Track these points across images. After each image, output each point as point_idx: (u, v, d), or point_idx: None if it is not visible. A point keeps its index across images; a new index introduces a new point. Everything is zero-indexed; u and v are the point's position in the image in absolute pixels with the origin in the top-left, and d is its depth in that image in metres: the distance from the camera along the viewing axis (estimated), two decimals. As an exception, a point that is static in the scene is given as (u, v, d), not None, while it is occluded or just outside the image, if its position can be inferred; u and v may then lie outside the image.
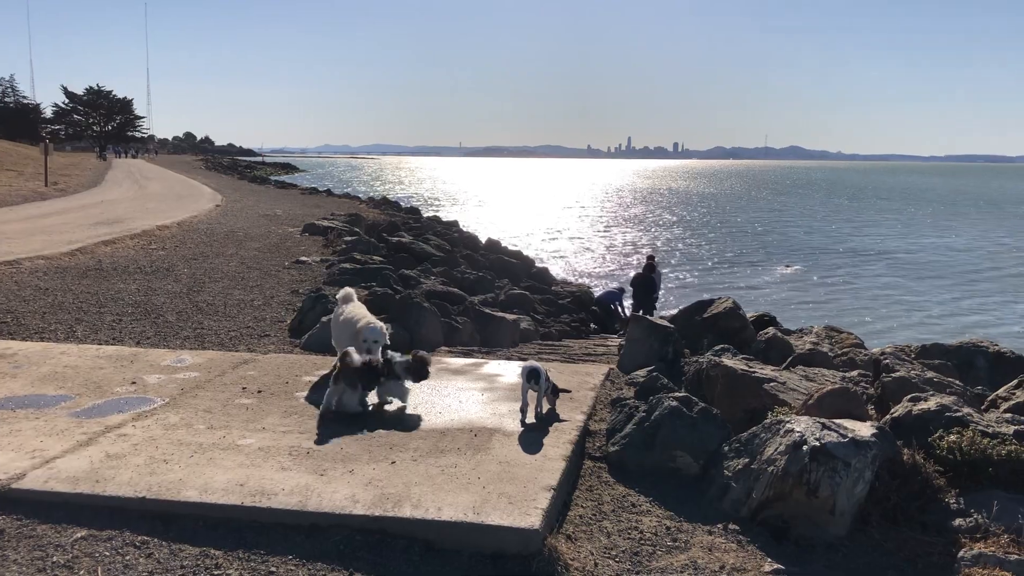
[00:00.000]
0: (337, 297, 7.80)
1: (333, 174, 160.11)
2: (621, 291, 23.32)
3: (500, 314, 13.96)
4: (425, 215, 41.49)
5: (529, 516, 4.59)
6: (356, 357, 6.41)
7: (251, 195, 45.24)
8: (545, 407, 6.59)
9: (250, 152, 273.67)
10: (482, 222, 55.21)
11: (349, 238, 21.56)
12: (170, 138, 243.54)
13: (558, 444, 5.90)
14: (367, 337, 6.86)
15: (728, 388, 6.99)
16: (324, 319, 9.87)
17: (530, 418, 6.45)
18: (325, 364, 8.19)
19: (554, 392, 6.77)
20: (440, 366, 8.23)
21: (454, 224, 38.04)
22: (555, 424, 6.39)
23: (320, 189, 60.60)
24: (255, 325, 10.69)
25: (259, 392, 7.11)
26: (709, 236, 53.58)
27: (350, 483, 5.03)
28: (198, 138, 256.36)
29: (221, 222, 26.08)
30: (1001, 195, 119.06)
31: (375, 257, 18.34)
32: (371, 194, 65.10)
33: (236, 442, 5.78)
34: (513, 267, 25.60)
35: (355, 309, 7.40)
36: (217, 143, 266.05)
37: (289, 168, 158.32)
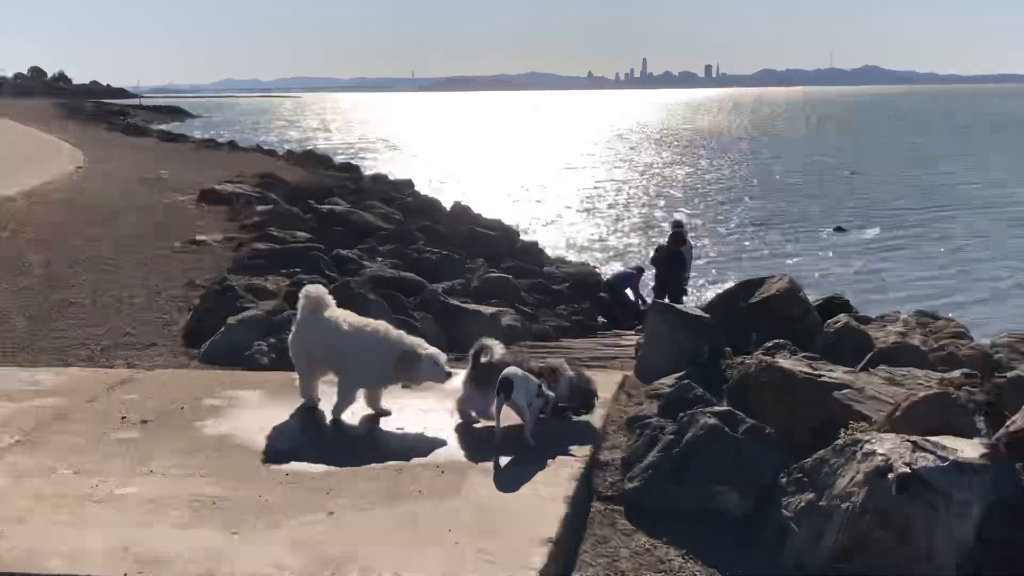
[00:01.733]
0: (304, 300, 7.31)
1: (238, 120, 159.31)
2: (640, 271, 23.38)
3: (474, 307, 13.99)
4: (367, 174, 41.38)
5: (519, 580, 4.62)
6: None
7: (125, 151, 44.96)
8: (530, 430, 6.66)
9: (122, 92, 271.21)
10: (447, 182, 55.13)
11: (263, 208, 21.48)
12: (10, 75, 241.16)
13: (557, 481, 5.93)
14: (426, 370, 6.98)
15: (785, 398, 7.02)
16: (231, 320, 9.86)
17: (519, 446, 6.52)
18: (235, 381, 8.20)
19: (556, 411, 6.80)
20: (394, 380, 8.25)
21: (407, 185, 37.97)
22: (552, 454, 6.42)
23: (221, 141, 60.19)
24: (136, 331, 10.65)
25: (144, 423, 7.09)
26: (754, 193, 53.76)
27: (273, 544, 5.03)
28: (49, 75, 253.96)
29: (85, 190, 25.93)
30: None
31: (299, 233, 18.30)
32: (291, 147, 64.79)
33: (115, 491, 5.77)
34: (491, 242, 25.60)
35: (362, 321, 7.27)
36: (76, 82, 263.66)
37: (177, 113, 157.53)
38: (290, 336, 7.42)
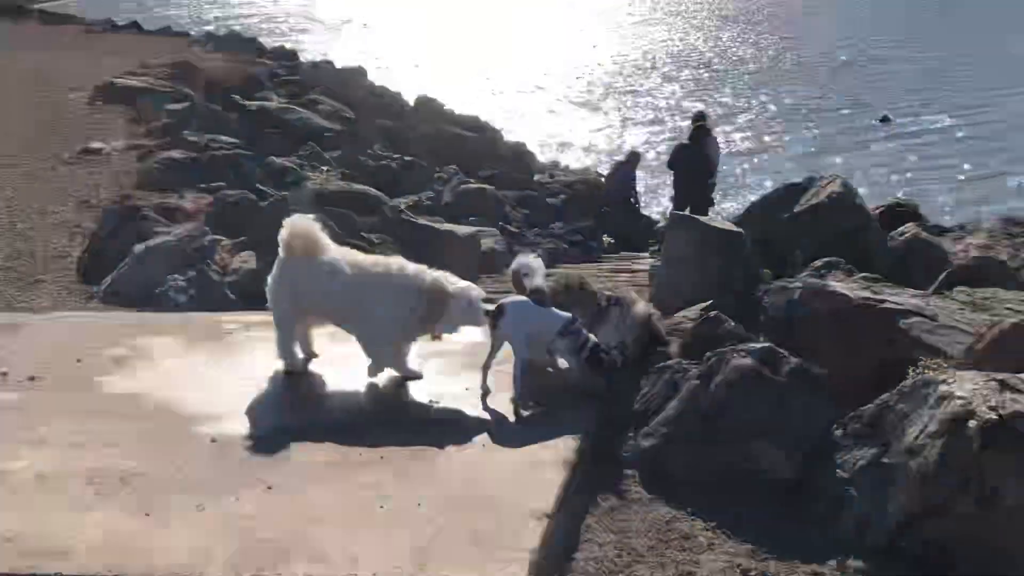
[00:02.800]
0: (288, 239, 7.00)
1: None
2: (636, 157, 23.49)
3: (447, 226, 13.97)
4: (307, 60, 41.01)
5: (508, 566, 4.64)
6: None
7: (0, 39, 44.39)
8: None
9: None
10: (410, 69, 54.66)
11: (175, 106, 21.25)
12: None
13: (552, 441, 5.95)
14: (471, 308, 6.76)
15: (840, 331, 7.02)
16: (138, 248, 9.79)
17: (503, 394, 6.55)
18: (145, 326, 8.15)
19: (592, 357, 6.60)
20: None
21: (360, 74, 37.61)
22: (552, 409, 6.43)
23: (119, 22, 59.50)
24: (18, 265, 10.58)
25: (32, 379, 7.06)
26: (785, 77, 53.45)
27: (197, 527, 5.04)
28: None
29: (-54, 88, 25.63)
30: None
31: (222, 137, 18.15)
32: (210, 28, 64.07)
33: (-2, 467, 5.76)
34: (465, 144, 25.51)
35: (369, 259, 7.08)
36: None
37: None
38: (269, 281, 7.17)
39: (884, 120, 39.01)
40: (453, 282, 6.74)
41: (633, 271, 14.43)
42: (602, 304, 7.27)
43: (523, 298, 6.81)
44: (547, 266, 7.81)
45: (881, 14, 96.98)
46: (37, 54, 36.13)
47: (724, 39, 74.02)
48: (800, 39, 73.38)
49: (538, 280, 7.03)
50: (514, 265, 7.28)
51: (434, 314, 6.64)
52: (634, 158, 23.61)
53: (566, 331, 6.56)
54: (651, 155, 31.87)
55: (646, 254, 18.57)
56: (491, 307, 6.71)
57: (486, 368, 6.77)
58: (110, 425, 6.30)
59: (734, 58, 62.64)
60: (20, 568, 4.74)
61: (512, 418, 6.36)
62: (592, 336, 6.66)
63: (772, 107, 43.96)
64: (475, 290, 6.79)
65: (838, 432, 5.84)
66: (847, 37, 73.18)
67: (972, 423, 5.12)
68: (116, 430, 6.22)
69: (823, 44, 68.80)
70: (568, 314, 6.70)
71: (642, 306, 7.32)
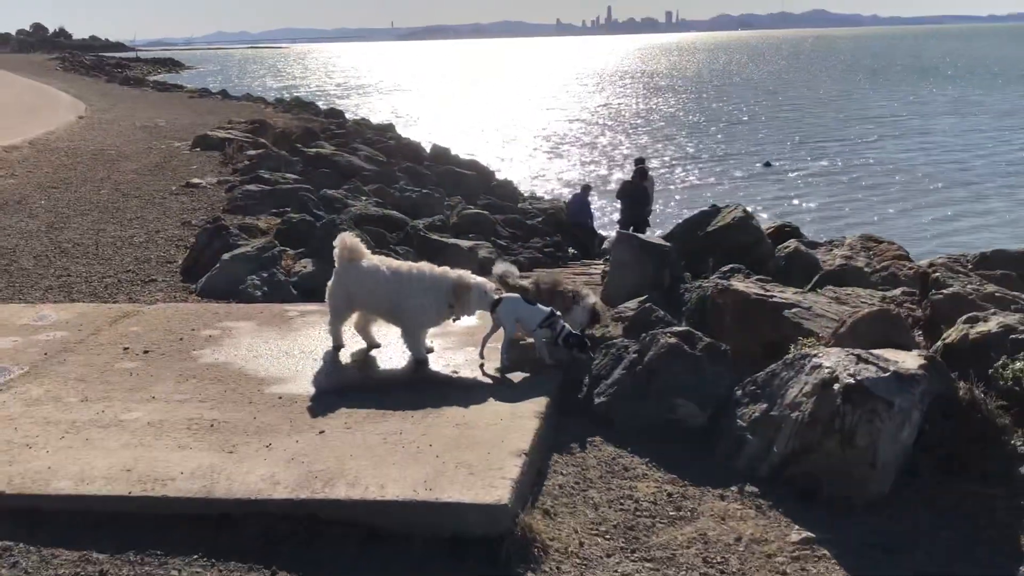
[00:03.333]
0: (338, 250, 6.92)
1: (229, 70, 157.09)
2: (587, 189, 23.54)
3: (453, 240, 13.96)
4: (351, 118, 40.98)
5: (495, 489, 4.64)
6: None
7: (124, 101, 44.30)
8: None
9: (120, 46, 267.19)
10: (426, 125, 54.68)
11: (253, 152, 21.24)
12: (13, 32, 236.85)
13: (530, 398, 5.95)
14: (476, 300, 6.70)
15: (740, 318, 7.06)
16: (226, 256, 9.79)
17: (492, 364, 6.60)
18: (230, 313, 8.16)
19: (568, 339, 6.57)
20: (377, 308, 8.21)
21: (389, 129, 37.71)
22: (526, 374, 6.45)
23: (213, 90, 59.50)
24: (137, 268, 10.55)
25: (146, 353, 7.05)
26: (710, 129, 53.72)
27: (268, 461, 5.03)
28: (51, 31, 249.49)
29: (87, 138, 25.54)
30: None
31: (288, 175, 18.11)
32: (280, 94, 63.99)
33: (119, 417, 5.75)
34: (467, 181, 25.52)
35: (404, 265, 6.97)
36: (76, 36, 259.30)
37: (172, 65, 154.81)
38: (329, 284, 7.04)
39: (767, 164, 39.35)
40: (473, 277, 6.76)
41: (590, 274, 14.40)
42: (568, 297, 7.31)
43: (516, 295, 6.87)
44: (527, 270, 7.96)
45: (774, 80, 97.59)
46: (151, 111, 36.16)
47: (653, 102, 74.68)
48: (709, 100, 74.01)
49: (514, 280, 7.33)
50: (500, 269, 7.42)
51: (460, 301, 6.63)
52: (586, 189, 23.65)
53: (544, 323, 6.60)
54: (604, 188, 31.99)
55: (599, 261, 18.57)
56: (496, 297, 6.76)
57: (484, 341, 6.83)
58: (203, 386, 6.30)
59: (660, 115, 63.31)
60: (135, 490, 4.74)
61: (499, 380, 6.37)
62: (567, 325, 6.67)
63: (689, 150, 44.56)
64: (489, 284, 6.82)
65: (738, 392, 5.85)
66: (745, 98, 73.73)
67: (836, 386, 5.15)
68: (207, 390, 6.22)
69: (728, 104, 69.24)
70: (548, 309, 6.71)
71: (591, 298, 7.39)
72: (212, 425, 5.58)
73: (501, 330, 6.75)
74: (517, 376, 6.44)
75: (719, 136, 50.67)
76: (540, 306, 6.72)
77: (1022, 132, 48.25)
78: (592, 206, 23.39)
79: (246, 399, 6.03)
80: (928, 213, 29.18)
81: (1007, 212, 28.99)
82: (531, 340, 6.81)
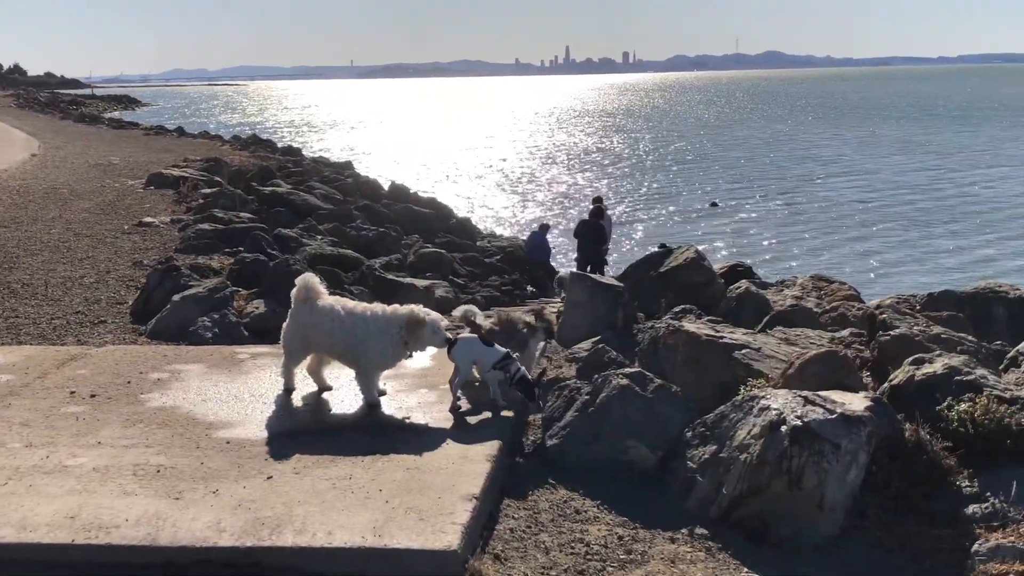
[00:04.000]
0: (295, 290, 6.84)
1: (186, 107, 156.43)
2: (545, 228, 23.64)
3: (408, 280, 13.95)
4: (308, 156, 40.93)
5: (445, 534, 4.62)
6: None
7: (78, 138, 43.95)
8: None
9: (76, 83, 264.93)
10: (385, 162, 54.74)
11: (208, 190, 21.15)
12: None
13: (482, 441, 5.94)
14: (429, 335, 6.60)
15: (691, 359, 7.10)
16: (176, 297, 9.71)
17: (463, 403, 6.64)
18: (179, 356, 8.08)
19: (520, 381, 6.52)
20: (329, 351, 8.19)
21: (347, 166, 37.70)
22: (478, 416, 6.44)
23: (169, 128, 59.10)
24: (86, 310, 10.44)
25: (93, 396, 6.97)
26: (667, 168, 54.30)
27: (214, 507, 4.98)
28: (5, 68, 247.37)
29: (39, 176, 25.30)
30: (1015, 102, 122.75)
31: (243, 214, 18.05)
32: (236, 132, 63.77)
33: (64, 462, 5.67)
34: (425, 219, 25.53)
35: (360, 305, 6.88)
36: (31, 73, 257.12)
37: (128, 102, 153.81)
38: (284, 324, 6.95)
39: (713, 204, 39.79)
40: (426, 312, 6.69)
41: (548, 312, 14.45)
42: (523, 331, 7.36)
43: (473, 336, 6.85)
44: (485, 308, 8.02)
45: (725, 119, 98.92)
46: (106, 149, 35.89)
47: (608, 140, 75.44)
48: (662, 139, 74.80)
49: (479, 320, 7.30)
50: (460, 311, 7.52)
51: (414, 335, 6.55)
52: (544, 228, 23.77)
53: (499, 364, 6.58)
54: (561, 226, 32.18)
55: (558, 299, 18.61)
56: (450, 336, 6.75)
57: (454, 387, 6.73)
58: (150, 431, 6.23)
59: (615, 154, 63.92)
60: (79, 538, 4.67)
61: (451, 423, 6.35)
62: (522, 368, 6.62)
63: (643, 190, 44.82)
64: (443, 321, 6.76)
65: (688, 433, 5.89)
66: (697, 137, 74.65)
67: (783, 428, 5.19)
68: (154, 434, 6.15)
69: (680, 143, 70.07)
70: (504, 350, 6.66)
71: (544, 318, 7.73)
72: (158, 471, 5.51)
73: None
74: (470, 419, 6.43)
75: (670, 175, 51.26)
76: (497, 347, 6.71)
77: (968, 171, 49.29)
78: (550, 244, 23.49)
79: (194, 444, 5.97)
80: (877, 251, 29.58)
81: (956, 251, 29.50)
82: (485, 379, 6.81)
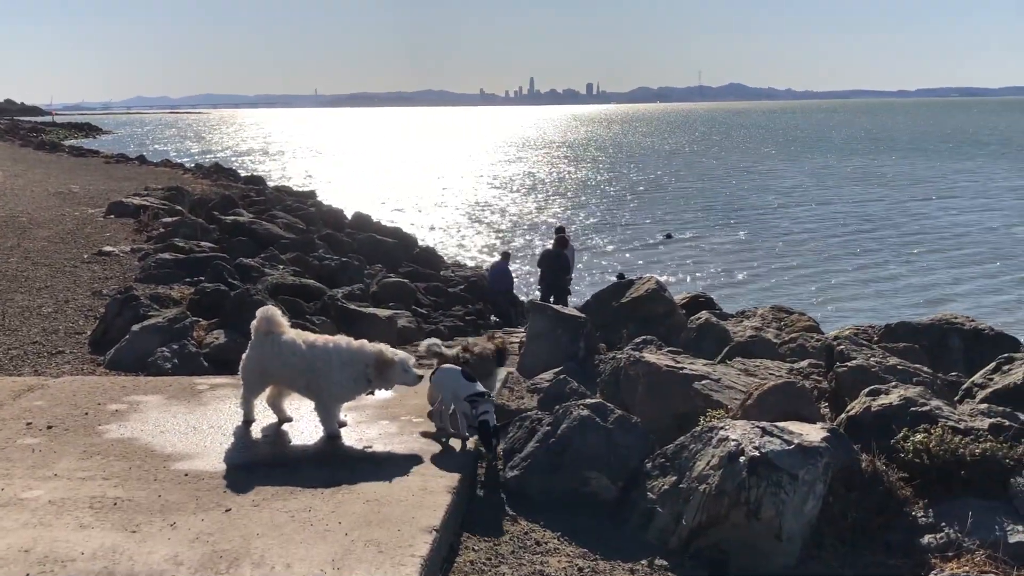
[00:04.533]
0: (256, 322, 6.77)
1: (147, 135, 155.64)
2: (507, 257, 23.70)
3: (371, 310, 13.91)
4: (271, 185, 40.81)
5: (404, 567, 4.62)
6: None
7: (37, 166, 43.50)
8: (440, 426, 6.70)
9: (36, 110, 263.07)
10: (347, 192, 54.67)
11: (169, 219, 20.99)
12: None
13: (442, 473, 5.93)
14: (399, 374, 6.55)
15: (651, 389, 7.15)
16: (136, 327, 9.64)
17: (406, 438, 6.59)
18: (138, 387, 8.01)
19: (481, 424, 6.33)
20: (290, 381, 8.16)
21: (310, 195, 37.56)
22: (440, 448, 6.43)
23: (130, 156, 58.74)
24: (44, 340, 10.32)
25: (50, 428, 6.87)
26: (623, 199, 54.66)
27: (172, 540, 4.93)
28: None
29: (-3, 204, 25.01)
30: (975, 134, 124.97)
31: (204, 243, 17.93)
32: (198, 160, 63.53)
33: (19, 495, 5.59)
34: (389, 248, 25.48)
35: (321, 338, 6.79)
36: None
37: (89, 129, 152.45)
38: (244, 356, 6.89)
39: (668, 236, 39.91)
40: (394, 352, 6.65)
41: (511, 342, 14.48)
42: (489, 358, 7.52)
43: (456, 368, 6.81)
44: (448, 338, 8.04)
45: (685, 150, 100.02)
46: (66, 177, 35.58)
47: (569, 170, 76.05)
48: (621, 172, 75.38)
49: (444, 351, 7.33)
50: (424, 346, 7.45)
51: (382, 375, 6.53)
52: (506, 257, 23.83)
53: (469, 398, 6.51)
54: (525, 256, 32.31)
55: (521, 329, 18.65)
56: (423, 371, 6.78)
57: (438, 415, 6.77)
58: (107, 463, 6.16)
59: (573, 185, 64.26)
60: (33, 572, 4.61)
61: (412, 455, 6.33)
62: (491, 411, 6.43)
63: (598, 220, 45.04)
64: (411, 359, 6.71)
65: (648, 464, 5.92)
66: (656, 168, 75.34)
67: (742, 459, 5.24)
68: (112, 467, 6.08)
69: (636, 176, 70.58)
70: (482, 389, 6.57)
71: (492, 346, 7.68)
72: (115, 503, 5.45)
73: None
74: (431, 450, 6.42)
75: (626, 205, 51.57)
76: (478, 385, 6.62)
77: (920, 201, 50.19)
78: (512, 273, 23.55)
79: (151, 476, 5.91)
80: (832, 280, 29.92)
81: (908, 278, 29.95)
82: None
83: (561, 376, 7.77)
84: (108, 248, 16.87)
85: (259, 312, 6.83)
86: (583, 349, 8.86)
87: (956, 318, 10.42)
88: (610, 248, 36.91)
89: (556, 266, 20.57)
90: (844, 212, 46.49)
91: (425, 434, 6.66)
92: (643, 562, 5.26)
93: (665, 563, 5.24)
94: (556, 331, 9.00)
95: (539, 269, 21.27)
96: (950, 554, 5.15)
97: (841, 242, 37.54)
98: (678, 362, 7.54)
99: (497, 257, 25.44)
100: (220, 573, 4.57)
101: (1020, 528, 5.24)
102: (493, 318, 21.45)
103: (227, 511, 5.33)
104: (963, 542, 5.21)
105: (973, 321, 10.40)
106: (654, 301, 10.86)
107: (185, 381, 8.24)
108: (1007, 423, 6.22)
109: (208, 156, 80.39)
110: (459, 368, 6.81)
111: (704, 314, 10.64)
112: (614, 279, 12.56)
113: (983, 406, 6.87)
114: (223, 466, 6.11)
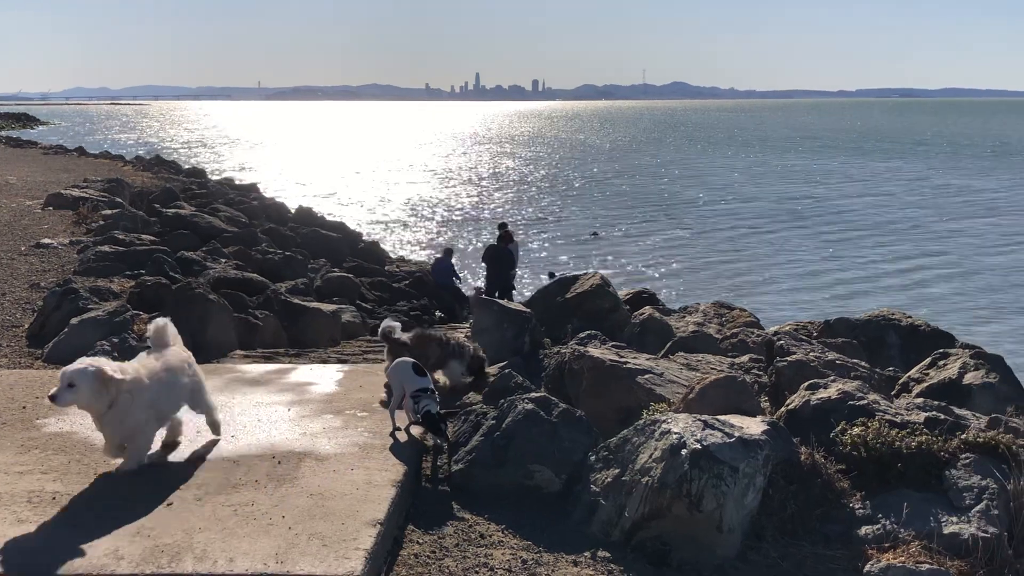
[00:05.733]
0: (152, 334, 6.44)
1: (87, 126, 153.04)
2: (449, 252, 23.68)
3: (315, 305, 13.81)
4: (214, 178, 40.33)
5: (348, 560, 4.62)
6: None
7: (-29, 158, 42.58)
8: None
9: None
10: (291, 186, 54.26)
11: (109, 212, 20.67)
12: None
13: (387, 467, 5.94)
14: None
15: (595, 384, 7.20)
16: (75, 321, 9.48)
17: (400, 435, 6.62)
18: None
19: (425, 416, 6.33)
20: (232, 375, 8.10)
21: (253, 189, 37.20)
22: (386, 441, 6.42)
23: (69, 147, 57.73)
24: (-21, 333, 10.13)
25: (-15, 422, 6.76)
26: (573, 195, 54.84)
27: (113, 534, 4.88)
28: None
29: (-71, 196, 24.44)
30: (915, 134, 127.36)
31: (144, 236, 17.69)
32: (139, 152, 62.56)
33: (-47, 491, 5.49)
34: (333, 243, 25.32)
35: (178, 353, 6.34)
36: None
37: (27, 120, 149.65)
38: None
39: (594, 234, 39.80)
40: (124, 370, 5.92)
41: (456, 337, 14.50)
42: (452, 346, 7.84)
43: (410, 360, 6.85)
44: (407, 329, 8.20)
45: (623, 146, 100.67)
46: (2, 168, 34.86)
47: (534, 164, 76.03)
48: (558, 167, 75.73)
49: (398, 334, 7.68)
50: (383, 326, 7.80)
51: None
52: (448, 252, 23.78)
53: (415, 393, 6.52)
54: (470, 251, 32.29)
55: (466, 324, 18.64)
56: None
57: (393, 410, 6.79)
58: (46, 457, 6.07)
59: (510, 179, 64.42)
60: (-31, 570, 4.54)
61: (357, 449, 6.32)
62: (433, 403, 6.41)
63: (530, 215, 45.16)
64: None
65: (592, 457, 5.97)
66: (591, 166, 75.81)
67: (684, 451, 5.31)
68: (50, 461, 6.00)
69: (572, 172, 70.95)
70: (428, 383, 6.62)
71: (468, 350, 7.98)
72: (54, 497, 5.38)
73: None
74: (377, 443, 6.41)
75: (559, 200, 51.74)
76: (426, 379, 6.66)
77: (859, 198, 51.05)
78: (456, 268, 23.52)
79: (91, 470, 5.84)
80: (769, 277, 30.23)
81: (846, 275, 30.43)
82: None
83: (506, 370, 7.79)
84: (46, 240, 16.58)
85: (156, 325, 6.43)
86: (528, 344, 8.90)
87: (893, 314, 10.63)
88: (545, 245, 36.95)
89: (501, 261, 20.61)
90: (778, 208, 47.03)
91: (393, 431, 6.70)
92: (586, 554, 5.30)
93: (608, 555, 5.28)
94: (501, 326, 9.02)
95: (484, 264, 21.32)
96: (887, 545, 5.26)
97: (776, 237, 37.97)
98: (622, 357, 7.61)
99: (439, 253, 25.40)
100: (162, 567, 4.53)
101: (954, 519, 5.37)
102: (438, 313, 21.41)
103: (169, 505, 5.28)
104: (899, 533, 5.32)
105: (910, 317, 10.62)
106: (599, 297, 10.92)
107: (126, 375, 8.15)
108: (942, 417, 6.38)
109: (149, 148, 79.20)
110: (411, 361, 6.83)
111: (648, 309, 10.74)
112: (545, 278, 12.61)
113: (919, 400, 7.04)
114: (165, 460, 6.05)
